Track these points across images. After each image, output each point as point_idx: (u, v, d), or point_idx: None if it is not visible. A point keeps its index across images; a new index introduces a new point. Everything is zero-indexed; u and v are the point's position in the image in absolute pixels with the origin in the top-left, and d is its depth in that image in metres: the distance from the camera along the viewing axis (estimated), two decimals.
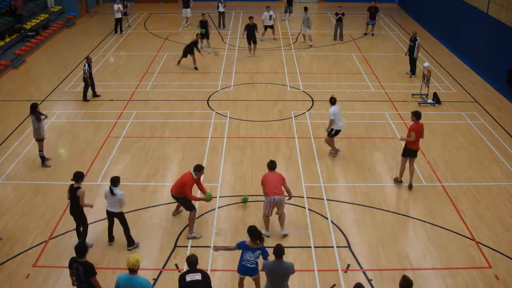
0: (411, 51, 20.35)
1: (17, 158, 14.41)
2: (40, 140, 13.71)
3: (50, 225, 11.57)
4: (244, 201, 12.21)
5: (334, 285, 9.93)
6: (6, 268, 10.26)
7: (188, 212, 11.02)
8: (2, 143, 15.27)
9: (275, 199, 10.83)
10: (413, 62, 20.57)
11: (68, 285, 9.82)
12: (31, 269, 10.23)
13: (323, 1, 33.14)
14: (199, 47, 21.58)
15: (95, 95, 18.33)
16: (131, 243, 10.82)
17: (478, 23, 21.59)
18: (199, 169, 10.91)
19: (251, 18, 22.93)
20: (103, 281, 9.86)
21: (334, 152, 14.48)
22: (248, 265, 8.96)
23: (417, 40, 20.07)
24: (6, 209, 12.15)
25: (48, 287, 9.83)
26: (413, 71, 20.62)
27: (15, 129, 16.10)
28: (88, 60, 17.88)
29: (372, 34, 26.42)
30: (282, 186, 10.99)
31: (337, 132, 14.22)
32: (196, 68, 21.19)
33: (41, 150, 13.82)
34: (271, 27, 24.97)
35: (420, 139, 12.91)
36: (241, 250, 9.04)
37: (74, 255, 10.57)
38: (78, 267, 8.37)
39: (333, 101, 14.00)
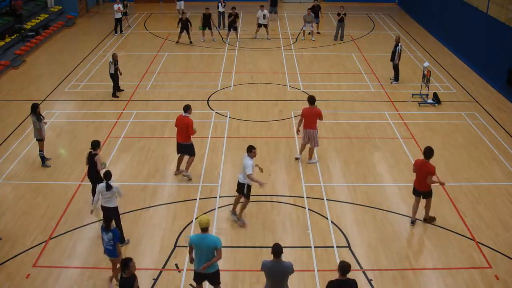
0: (393, 56, 19.47)
1: (17, 158, 14.41)
2: (40, 140, 13.71)
3: (50, 225, 11.57)
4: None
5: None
6: (6, 268, 10.26)
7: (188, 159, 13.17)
8: (2, 143, 15.27)
9: (307, 131, 13.68)
10: (395, 67, 19.71)
11: (68, 285, 9.85)
12: (31, 269, 10.23)
13: (323, 1, 33.15)
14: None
15: (115, 94, 18.45)
16: (122, 241, 10.80)
17: (478, 23, 21.59)
18: (189, 107, 13.01)
19: (233, 8, 24.58)
20: (103, 281, 9.90)
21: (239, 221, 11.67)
22: (107, 246, 9.42)
23: (398, 46, 19.28)
24: (6, 209, 12.15)
25: (48, 287, 9.82)
26: (396, 77, 19.79)
27: (15, 129, 16.10)
28: (115, 57, 18.00)
29: (318, 33, 26.34)
30: (318, 120, 13.64)
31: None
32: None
33: (41, 150, 13.82)
34: (265, 26, 25.40)
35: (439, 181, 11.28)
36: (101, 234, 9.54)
37: (73, 255, 10.66)
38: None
39: (250, 150, 11.26)
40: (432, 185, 11.24)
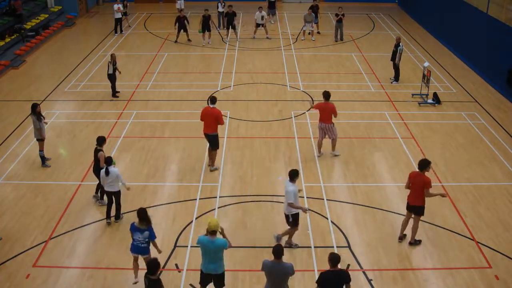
0: (394, 56, 19.51)
1: (17, 158, 14.41)
2: (40, 140, 13.71)
3: (50, 225, 11.57)
4: None
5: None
6: (6, 268, 10.26)
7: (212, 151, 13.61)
8: (2, 143, 15.27)
9: (321, 125, 13.93)
10: (395, 67, 19.70)
11: (68, 285, 9.85)
12: (31, 269, 10.23)
13: (323, 1, 33.14)
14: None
15: (114, 95, 18.45)
16: (118, 217, 11.60)
17: (478, 23, 21.59)
18: (215, 99, 13.31)
19: (230, 6, 24.77)
20: (103, 281, 9.90)
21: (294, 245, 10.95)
22: (140, 244, 9.42)
23: (399, 46, 19.30)
24: (6, 209, 12.15)
25: (48, 287, 9.82)
26: (396, 77, 19.81)
27: (15, 129, 16.10)
28: (113, 57, 17.98)
29: (318, 33, 26.40)
30: (332, 115, 13.85)
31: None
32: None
33: (41, 150, 13.82)
34: (263, 25, 25.66)
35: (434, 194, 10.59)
36: (131, 232, 9.49)
37: (73, 255, 10.66)
38: (145, 282, 8.41)
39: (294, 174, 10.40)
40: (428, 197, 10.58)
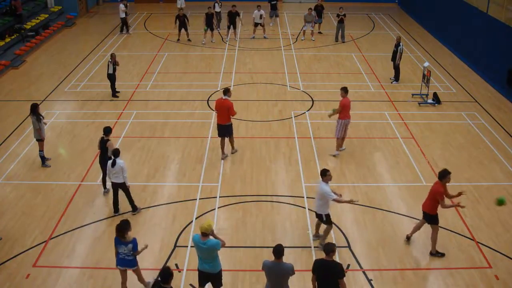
0: (394, 56, 19.54)
1: (17, 158, 14.41)
2: (40, 140, 13.71)
3: (50, 225, 11.57)
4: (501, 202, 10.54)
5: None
6: (6, 268, 10.26)
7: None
8: (2, 143, 15.27)
9: (347, 121, 14.02)
10: (395, 67, 19.71)
11: (68, 285, 9.85)
12: (31, 269, 10.23)
13: (324, 1, 33.10)
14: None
15: (114, 95, 18.43)
16: (135, 209, 11.88)
17: (478, 23, 21.59)
18: (228, 90, 13.73)
19: (233, 6, 24.84)
20: (103, 281, 9.91)
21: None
22: (126, 257, 9.19)
23: (399, 46, 19.29)
24: (6, 209, 12.15)
25: (48, 287, 9.82)
26: (396, 77, 19.83)
27: (15, 129, 16.10)
28: (113, 57, 17.96)
29: (320, 33, 26.37)
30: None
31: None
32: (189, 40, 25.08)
33: (41, 150, 13.82)
34: (261, 25, 25.64)
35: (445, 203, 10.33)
36: (116, 246, 9.23)
37: (73, 255, 10.66)
38: None
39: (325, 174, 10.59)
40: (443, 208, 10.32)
